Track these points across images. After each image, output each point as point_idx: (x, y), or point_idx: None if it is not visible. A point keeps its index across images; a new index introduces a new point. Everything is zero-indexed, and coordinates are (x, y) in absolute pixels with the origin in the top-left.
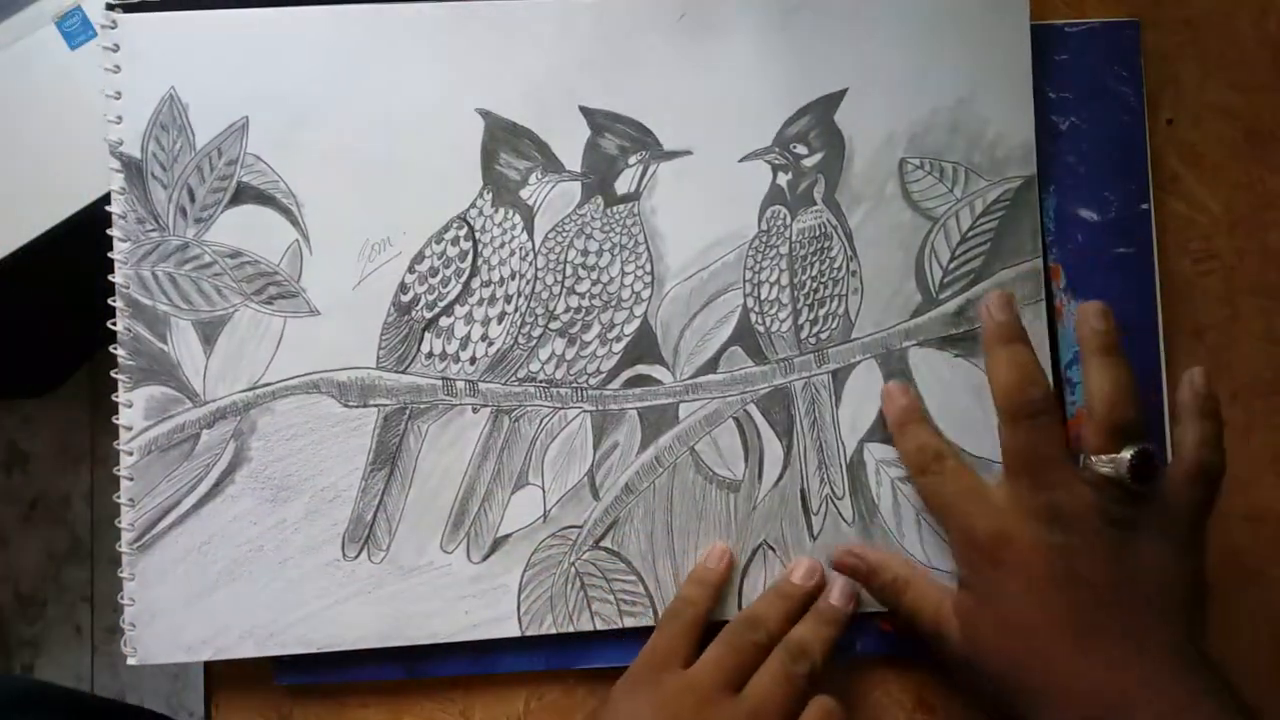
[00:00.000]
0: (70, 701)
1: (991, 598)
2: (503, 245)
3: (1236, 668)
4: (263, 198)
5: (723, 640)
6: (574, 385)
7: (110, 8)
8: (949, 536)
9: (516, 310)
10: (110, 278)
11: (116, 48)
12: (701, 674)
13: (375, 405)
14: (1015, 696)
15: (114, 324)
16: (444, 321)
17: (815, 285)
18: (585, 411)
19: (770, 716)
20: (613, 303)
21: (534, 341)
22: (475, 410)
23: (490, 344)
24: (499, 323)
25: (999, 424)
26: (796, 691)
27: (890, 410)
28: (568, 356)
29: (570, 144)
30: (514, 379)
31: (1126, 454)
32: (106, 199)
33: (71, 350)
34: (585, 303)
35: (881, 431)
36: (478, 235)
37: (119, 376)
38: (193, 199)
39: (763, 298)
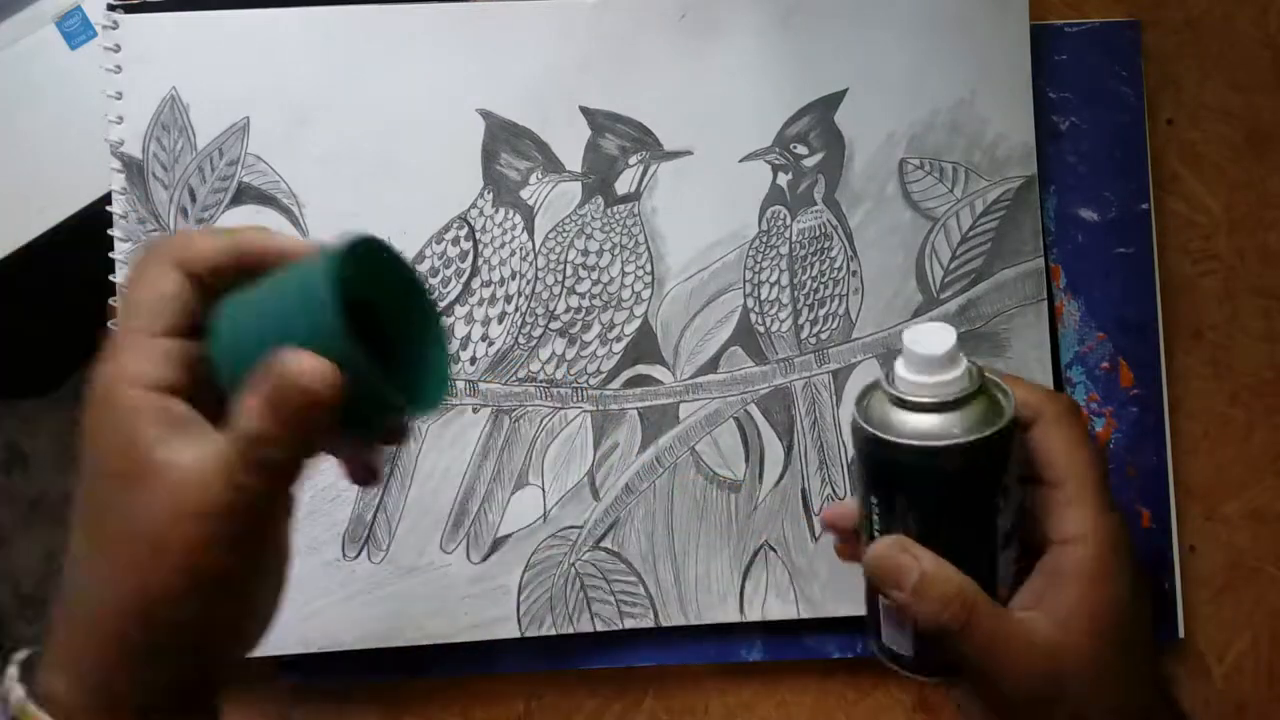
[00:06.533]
0: None
1: None
2: (503, 245)
3: (1237, 667)
4: (264, 198)
5: None
6: (574, 385)
7: (112, 8)
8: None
9: (517, 310)
10: (111, 278)
11: (118, 48)
12: None
13: None
14: None
15: (115, 324)
16: (444, 321)
17: (815, 285)
18: (585, 411)
19: None
20: (613, 303)
21: (534, 341)
22: (475, 410)
23: (490, 344)
24: (499, 323)
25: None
26: None
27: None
28: (568, 356)
29: (570, 144)
30: (514, 379)
31: None
32: (107, 199)
33: (71, 350)
34: (585, 303)
35: None
36: (478, 235)
37: None
38: (194, 199)
39: (763, 298)
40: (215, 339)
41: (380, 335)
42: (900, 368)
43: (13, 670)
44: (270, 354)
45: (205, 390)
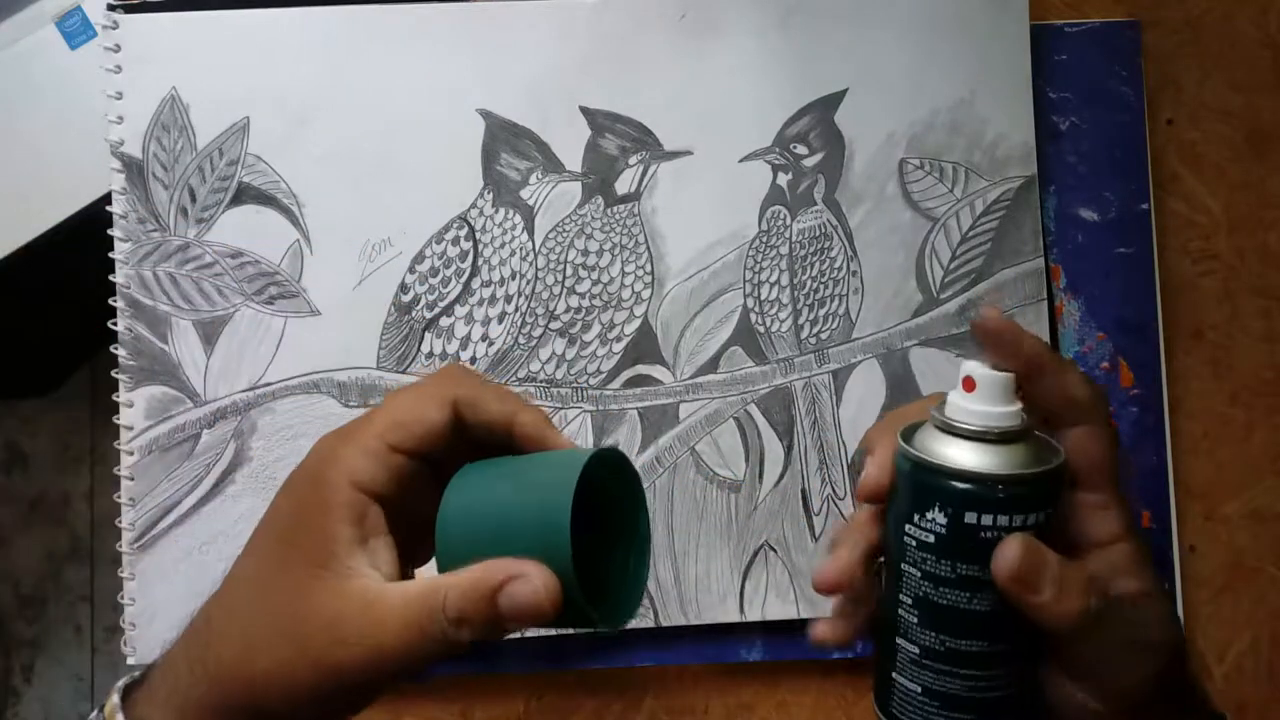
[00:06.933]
0: None
1: None
2: (503, 245)
3: (1237, 667)
4: (264, 198)
5: None
6: (574, 385)
7: (111, 8)
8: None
9: (517, 310)
10: (111, 278)
11: (118, 48)
12: None
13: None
14: None
15: (115, 324)
16: (444, 321)
17: (815, 285)
18: (585, 411)
19: None
20: (613, 303)
21: (534, 341)
22: None
23: (491, 344)
24: (499, 322)
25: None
26: None
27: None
28: (568, 356)
29: (570, 144)
30: (514, 379)
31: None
32: (107, 199)
33: (71, 350)
34: (585, 303)
35: None
36: (478, 235)
37: (120, 376)
38: (194, 199)
39: (763, 298)
40: (452, 499)
41: (591, 526)
42: (955, 398)
43: (114, 699)
44: (495, 536)
45: (400, 498)
